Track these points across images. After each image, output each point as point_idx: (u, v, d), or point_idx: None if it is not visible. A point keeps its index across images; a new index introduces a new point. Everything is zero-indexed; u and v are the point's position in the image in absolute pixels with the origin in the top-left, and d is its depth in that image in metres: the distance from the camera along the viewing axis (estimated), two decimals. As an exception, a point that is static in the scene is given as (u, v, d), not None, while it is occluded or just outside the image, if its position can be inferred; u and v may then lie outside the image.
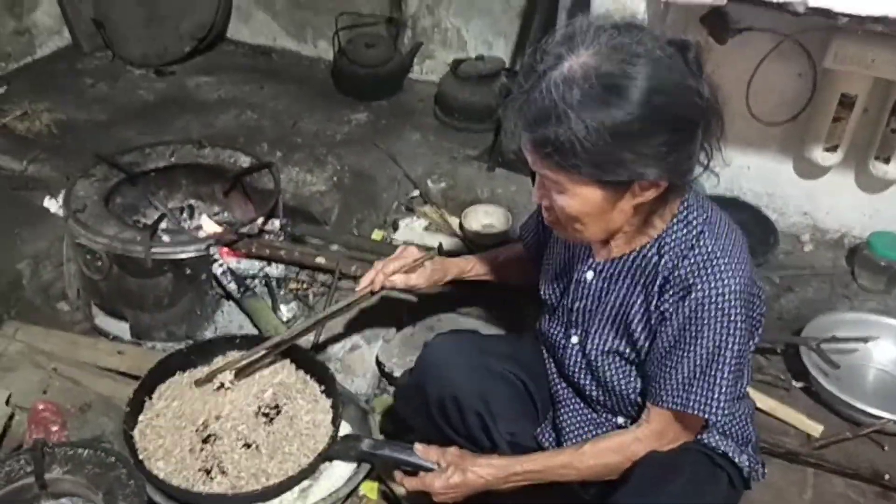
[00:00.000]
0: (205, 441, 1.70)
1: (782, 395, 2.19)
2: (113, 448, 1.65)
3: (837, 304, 2.50)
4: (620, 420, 1.60)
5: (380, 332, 2.16)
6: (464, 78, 3.07)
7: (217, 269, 2.20)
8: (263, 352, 1.81)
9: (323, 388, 1.84)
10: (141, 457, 1.63)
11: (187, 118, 3.11)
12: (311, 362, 1.87)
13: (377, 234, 2.64)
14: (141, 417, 1.74)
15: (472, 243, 2.63)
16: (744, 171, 2.73)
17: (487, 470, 1.53)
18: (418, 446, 1.62)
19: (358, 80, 3.25)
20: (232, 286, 2.18)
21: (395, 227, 2.72)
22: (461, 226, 2.69)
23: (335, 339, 2.13)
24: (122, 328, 2.26)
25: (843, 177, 2.65)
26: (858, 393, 2.12)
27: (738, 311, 1.35)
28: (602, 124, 1.21)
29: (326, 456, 1.68)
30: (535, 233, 1.78)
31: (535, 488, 1.58)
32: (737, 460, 1.52)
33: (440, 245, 2.53)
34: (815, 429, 2.10)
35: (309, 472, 1.66)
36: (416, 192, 2.84)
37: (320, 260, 2.27)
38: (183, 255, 2.14)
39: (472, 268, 1.86)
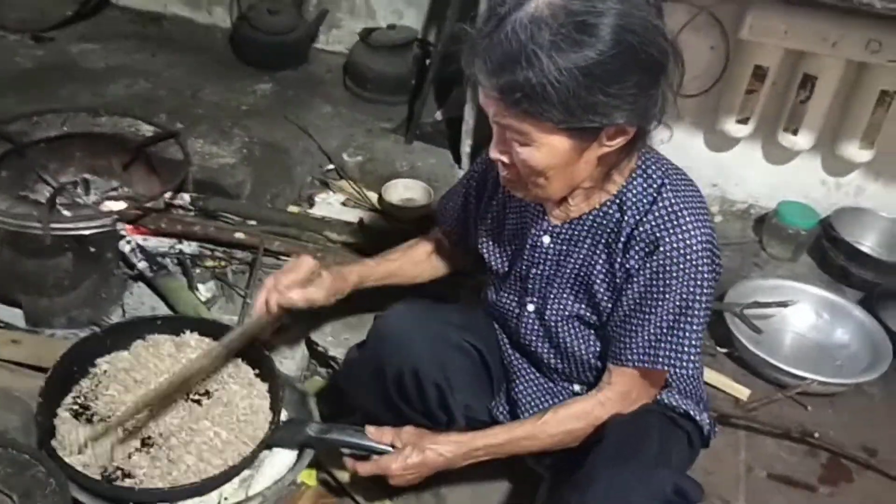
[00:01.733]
0: (131, 433, 1.53)
1: (708, 361, 2.22)
2: (25, 444, 1.46)
3: (749, 273, 2.57)
4: (577, 388, 1.56)
5: (309, 311, 2.02)
6: (376, 47, 2.96)
7: (125, 247, 2.01)
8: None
9: (256, 371, 1.70)
10: (61, 453, 1.45)
11: (73, 87, 2.84)
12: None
13: (293, 210, 2.50)
14: (57, 410, 1.56)
15: (393, 218, 2.53)
16: (657, 144, 2.76)
17: (447, 447, 1.46)
18: (370, 428, 1.52)
19: (261, 47, 3.07)
20: (143, 265, 2.00)
21: (312, 203, 2.58)
22: (380, 200, 2.59)
23: (260, 318, 1.98)
24: (14, 315, 2.03)
25: (751, 149, 2.72)
26: (780, 357, 2.18)
27: (706, 262, 1.34)
28: (574, 65, 1.16)
29: (269, 443, 1.56)
30: (461, 211, 1.68)
31: (490, 464, 1.52)
32: (698, 419, 1.52)
33: (361, 220, 2.42)
34: (743, 392, 2.15)
35: (250, 461, 1.53)
36: (330, 166, 2.71)
37: (240, 235, 2.13)
38: (87, 231, 1.94)
39: (370, 273, 1.70)
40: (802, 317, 2.41)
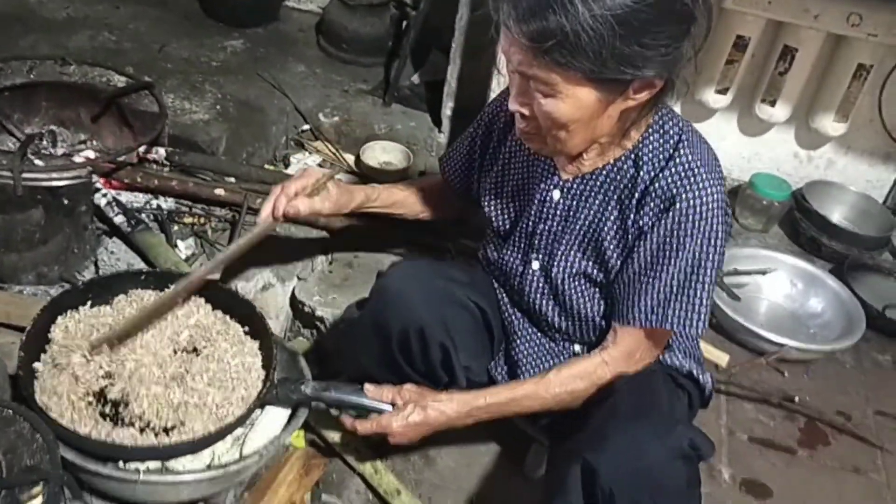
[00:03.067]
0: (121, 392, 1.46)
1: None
2: (5, 400, 1.39)
3: (724, 242, 2.59)
4: (577, 348, 1.55)
5: (293, 270, 1.98)
6: (352, 6, 2.88)
7: (101, 200, 1.92)
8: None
9: (246, 328, 1.64)
10: (48, 412, 1.38)
11: (33, 38, 2.70)
12: (230, 301, 1.66)
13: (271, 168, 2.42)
14: (37, 365, 1.47)
15: (371, 181, 2.48)
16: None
17: (450, 405, 1.43)
18: (369, 386, 1.48)
19: (231, 2, 2.96)
20: (120, 219, 1.91)
21: (287, 164, 2.52)
22: (358, 162, 2.54)
23: (244, 278, 1.93)
24: (-22, 270, 1.92)
25: (727, 120, 2.74)
26: (756, 324, 2.21)
27: (720, 220, 1.33)
28: (610, 12, 1.13)
29: (263, 402, 1.51)
30: (466, 161, 1.65)
31: (479, 426, 1.50)
32: (700, 379, 1.52)
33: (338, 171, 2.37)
34: (722, 358, 2.17)
35: (244, 419, 1.47)
36: (306, 127, 2.64)
37: (220, 192, 2.05)
38: (60, 182, 1.84)
39: (377, 196, 1.68)
40: (777, 286, 2.45)
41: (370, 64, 2.92)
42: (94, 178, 1.91)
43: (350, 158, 2.57)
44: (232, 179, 2.17)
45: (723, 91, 2.59)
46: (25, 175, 1.80)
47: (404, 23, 2.98)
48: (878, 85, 2.54)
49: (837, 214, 2.72)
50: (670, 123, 1.37)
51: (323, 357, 1.88)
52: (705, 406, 1.58)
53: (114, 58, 2.65)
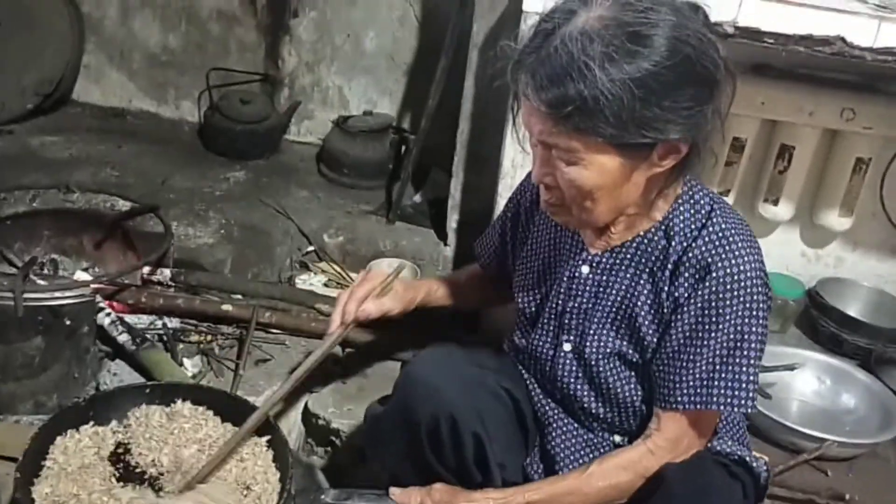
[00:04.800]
0: None
1: (718, 430, 2.13)
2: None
3: (743, 345, 2.52)
4: (618, 439, 1.45)
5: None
6: (352, 133, 2.94)
7: (104, 319, 1.85)
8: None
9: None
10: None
11: (36, 175, 2.69)
12: (235, 410, 1.56)
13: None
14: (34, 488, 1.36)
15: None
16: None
17: None
18: (395, 490, 1.37)
19: (233, 136, 3.01)
20: (124, 337, 1.84)
21: (293, 284, 2.47)
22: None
23: (253, 392, 1.83)
24: (-28, 400, 1.82)
25: (731, 223, 2.73)
26: (792, 422, 2.10)
27: (760, 289, 1.27)
28: (629, 76, 1.12)
29: (281, 514, 1.38)
30: (499, 245, 1.63)
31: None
32: (755, 466, 1.41)
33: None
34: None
35: (260, 535, 1.35)
36: (310, 248, 2.62)
37: (228, 308, 1.99)
38: (62, 301, 1.78)
39: (437, 288, 1.68)
40: (805, 383, 2.36)
41: (372, 187, 2.94)
42: (98, 297, 1.84)
43: (356, 276, 2.52)
44: (239, 297, 2.12)
45: (724, 193, 2.59)
46: (27, 295, 1.74)
47: (403, 147, 3.03)
48: (879, 178, 2.56)
49: (853, 310, 2.66)
50: (700, 194, 1.34)
51: (339, 473, 1.76)
52: (760, 500, 1.46)
53: (118, 191, 2.65)
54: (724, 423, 1.43)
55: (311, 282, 2.50)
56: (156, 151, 3.04)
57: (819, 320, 2.57)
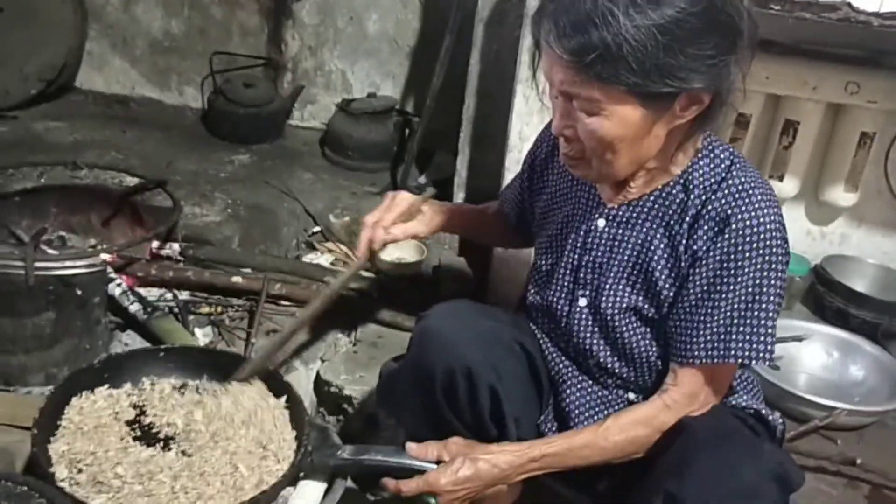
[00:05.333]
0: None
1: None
2: (20, 475, 1.26)
3: (750, 320, 2.52)
4: (632, 396, 1.44)
5: (316, 352, 1.89)
6: (356, 115, 2.95)
7: (115, 290, 1.84)
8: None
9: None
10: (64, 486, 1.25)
11: (40, 157, 2.70)
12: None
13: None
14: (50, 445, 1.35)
15: (386, 276, 2.43)
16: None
17: (503, 457, 1.31)
18: (412, 445, 1.36)
19: (237, 119, 3.01)
20: (135, 307, 1.83)
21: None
22: (371, 259, 2.49)
23: (265, 360, 1.83)
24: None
25: (737, 201, 2.73)
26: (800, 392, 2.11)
27: (779, 242, 1.27)
28: (653, 23, 1.11)
29: (297, 470, 1.38)
30: (518, 198, 1.63)
31: (541, 484, 1.37)
32: (770, 418, 1.41)
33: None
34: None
35: (282, 485, 1.34)
36: (317, 229, 2.62)
37: (237, 280, 1.98)
38: (74, 271, 1.78)
39: (463, 214, 1.73)
40: (813, 356, 2.35)
41: (376, 169, 2.95)
42: (108, 269, 1.84)
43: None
44: (248, 271, 2.11)
45: (729, 169, 2.60)
46: (38, 264, 1.74)
47: (407, 130, 3.03)
48: (883, 153, 2.56)
49: (860, 286, 2.66)
50: (720, 148, 1.34)
51: (352, 440, 1.75)
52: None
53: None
54: (739, 380, 1.43)
55: (317, 261, 2.49)
56: (159, 136, 3.04)
57: (825, 296, 2.57)
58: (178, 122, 3.22)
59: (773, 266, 1.27)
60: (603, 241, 1.39)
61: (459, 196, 2.57)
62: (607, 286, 1.38)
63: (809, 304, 2.65)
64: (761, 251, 1.26)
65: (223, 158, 2.92)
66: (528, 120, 2.10)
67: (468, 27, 2.45)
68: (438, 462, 1.33)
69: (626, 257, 1.37)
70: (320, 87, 3.20)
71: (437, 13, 2.89)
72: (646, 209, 1.35)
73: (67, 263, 1.78)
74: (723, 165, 1.31)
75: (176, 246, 2.07)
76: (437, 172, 2.86)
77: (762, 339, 1.27)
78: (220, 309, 1.97)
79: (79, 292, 1.80)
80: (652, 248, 1.34)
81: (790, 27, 2.34)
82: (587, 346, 1.42)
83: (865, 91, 2.38)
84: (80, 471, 1.32)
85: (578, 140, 1.25)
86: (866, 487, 1.93)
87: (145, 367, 1.55)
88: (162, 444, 1.42)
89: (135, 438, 1.42)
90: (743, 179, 1.29)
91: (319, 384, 1.84)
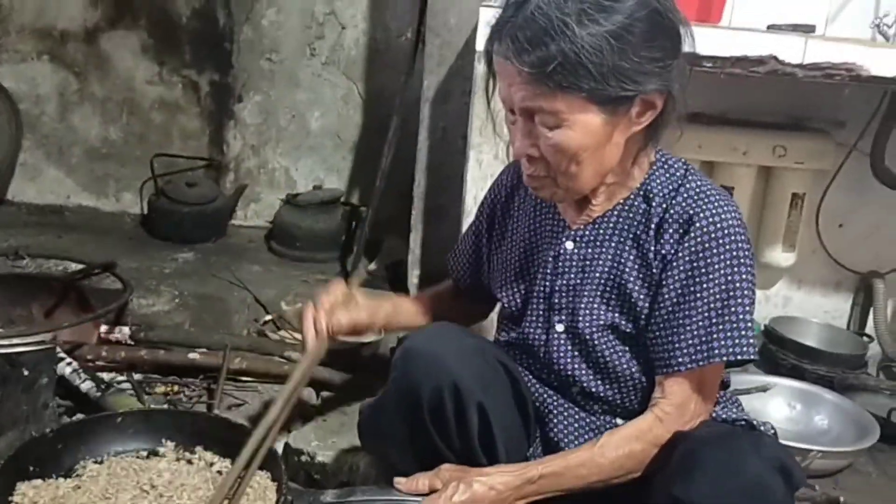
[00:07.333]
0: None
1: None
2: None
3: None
4: (620, 421, 1.41)
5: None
6: (303, 206, 2.94)
7: (65, 369, 1.73)
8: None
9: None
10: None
11: (-26, 262, 2.59)
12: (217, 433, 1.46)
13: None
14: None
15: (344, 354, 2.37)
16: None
17: (499, 478, 1.26)
18: (399, 480, 1.30)
19: (180, 218, 2.97)
20: (88, 384, 1.72)
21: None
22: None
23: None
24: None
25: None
26: (771, 441, 2.10)
27: (743, 237, 1.30)
28: (605, 30, 1.18)
29: (279, 517, 1.28)
30: (472, 254, 1.62)
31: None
32: (762, 429, 1.40)
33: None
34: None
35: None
36: (268, 317, 2.55)
37: (194, 356, 1.89)
38: (21, 349, 1.67)
39: (402, 303, 1.66)
40: (776, 409, 2.36)
41: (325, 259, 2.94)
42: (57, 347, 1.74)
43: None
44: (203, 350, 2.03)
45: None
46: (-18, 342, 1.63)
47: (353, 222, 3.04)
48: (814, 213, 2.69)
49: (810, 343, 2.73)
50: (672, 160, 1.39)
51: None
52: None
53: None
54: (723, 396, 1.42)
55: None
56: (98, 240, 2.97)
57: (778, 353, 2.61)
58: (116, 226, 3.15)
59: (742, 261, 1.29)
60: (574, 263, 1.39)
61: (414, 274, 2.56)
62: (582, 306, 1.38)
63: (763, 364, 2.68)
64: (728, 246, 1.28)
65: (166, 256, 2.85)
66: (482, 185, 2.14)
67: (414, 111, 2.52)
68: (431, 492, 1.26)
69: (598, 275, 1.38)
70: (264, 184, 3.21)
71: (380, 105, 2.97)
72: (611, 224, 1.37)
73: (15, 340, 1.67)
74: (678, 174, 1.36)
75: (126, 329, 1.98)
76: (388, 257, 2.85)
77: (742, 333, 1.28)
78: (175, 388, 1.87)
79: (25, 372, 1.69)
80: (622, 260, 1.36)
81: (718, 98, 2.50)
82: (569, 372, 1.40)
83: (792, 153, 2.52)
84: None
85: (542, 158, 1.28)
86: (849, 530, 1.91)
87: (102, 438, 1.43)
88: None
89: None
90: (699, 183, 1.34)
91: (289, 454, 1.74)
